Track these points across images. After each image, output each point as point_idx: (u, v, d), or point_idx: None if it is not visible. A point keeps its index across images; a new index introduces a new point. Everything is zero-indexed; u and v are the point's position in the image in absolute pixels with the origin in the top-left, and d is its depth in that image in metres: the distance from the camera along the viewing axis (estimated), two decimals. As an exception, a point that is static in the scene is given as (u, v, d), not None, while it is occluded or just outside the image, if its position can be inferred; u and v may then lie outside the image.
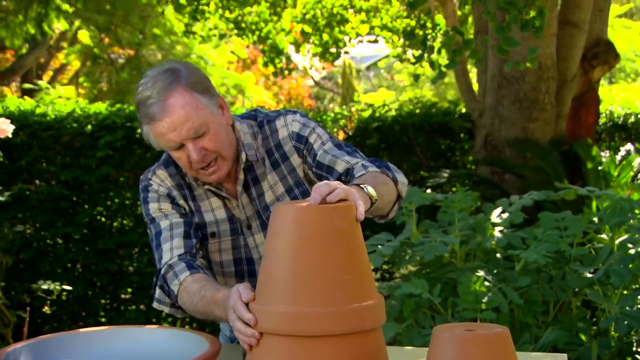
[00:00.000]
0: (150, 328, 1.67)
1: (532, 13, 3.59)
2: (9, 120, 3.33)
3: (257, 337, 1.35)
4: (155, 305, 1.83)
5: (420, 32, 4.34)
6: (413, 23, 7.77)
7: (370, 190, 1.53)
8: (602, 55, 5.22)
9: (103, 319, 5.24)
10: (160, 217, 1.85)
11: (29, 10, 7.76)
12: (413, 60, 4.34)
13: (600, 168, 4.55)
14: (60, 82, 12.15)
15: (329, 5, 8.13)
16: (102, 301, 5.27)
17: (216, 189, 1.87)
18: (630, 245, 3.12)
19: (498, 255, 3.34)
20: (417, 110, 5.71)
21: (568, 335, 2.90)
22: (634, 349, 3.01)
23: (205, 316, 1.70)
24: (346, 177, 1.77)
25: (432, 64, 4.12)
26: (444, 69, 4.06)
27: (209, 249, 1.89)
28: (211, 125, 1.75)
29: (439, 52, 4.28)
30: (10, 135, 3.33)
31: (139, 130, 5.10)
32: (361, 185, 1.52)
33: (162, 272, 1.79)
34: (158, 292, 1.81)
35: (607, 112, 5.90)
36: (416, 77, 4.67)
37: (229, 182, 1.88)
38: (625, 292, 3.04)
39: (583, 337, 2.99)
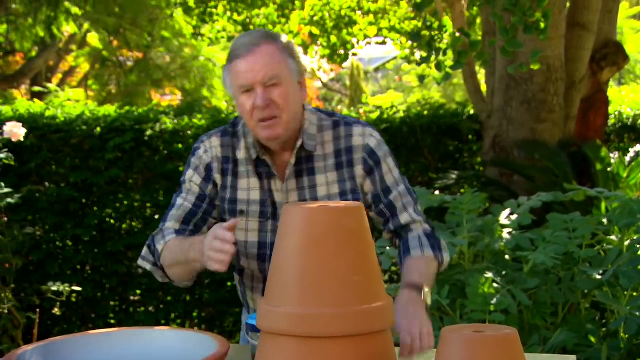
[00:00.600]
0: (160, 329, 1.68)
1: (537, 15, 3.59)
2: (20, 124, 3.36)
3: (231, 252, 1.51)
4: (139, 261, 1.94)
5: (427, 34, 4.34)
6: (420, 25, 7.76)
7: (428, 298, 1.74)
8: (611, 56, 5.21)
9: (112, 321, 5.25)
10: (184, 190, 1.95)
11: (39, 14, 7.80)
12: (419, 61, 4.34)
13: (609, 169, 4.54)
14: (69, 85, 12.21)
15: (337, 7, 8.14)
16: (112, 303, 5.28)
17: (266, 166, 1.91)
18: (639, 247, 3.11)
19: (507, 256, 3.33)
20: (425, 112, 5.71)
21: (577, 337, 2.90)
22: (644, 350, 3.00)
23: (180, 268, 1.82)
24: (401, 229, 1.92)
25: (438, 66, 4.13)
26: (449, 71, 4.06)
27: (237, 227, 1.91)
28: (285, 83, 1.83)
29: (444, 53, 4.28)
30: (22, 139, 3.37)
31: (147, 133, 5.12)
32: (424, 296, 1.73)
33: (154, 233, 1.92)
34: (145, 250, 1.93)
35: (616, 113, 5.89)
36: (422, 79, 4.66)
37: (282, 163, 1.93)
38: (634, 293, 3.03)
39: (592, 339, 2.99)
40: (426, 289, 1.75)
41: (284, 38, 1.89)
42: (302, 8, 8.24)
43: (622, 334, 2.97)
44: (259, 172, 1.92)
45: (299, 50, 1.93)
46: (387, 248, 3.23)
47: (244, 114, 1.87)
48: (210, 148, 1.95)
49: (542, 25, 3.55)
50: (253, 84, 1.81)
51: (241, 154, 1.93)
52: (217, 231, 1.62)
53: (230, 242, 1.59)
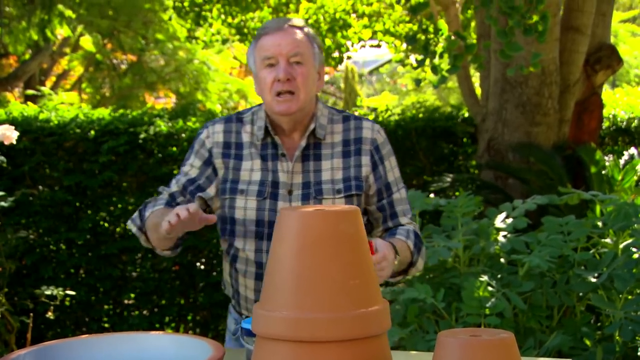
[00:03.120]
0: (155, 334, 1.67)
1: (535, 18, 3.59)
2: (12, 127, 3.34)
3: (182, 216, 1.69)
4: (128, 223, 2.07)
5: (422, 37, 4.35)
6: (415, 28, 7.78)
7: (396, 262, 1.83)
8: (605, 59, 5.22)
9: (106, 325, 5.23)
10: (182, 172, 2.06)
11: (32, 17, 7.78)
12: (415, 65, 4.34)
13: (603, 172, 4.54)
14: (63, 88, 12.18)
15: (331, 10, 8.14)
16: (105, 307, 5.27)
17: (273, 148, 2.00)
18: (634, 250, 3.11)
19: (502, 260, 3.33)
20: (420, 115, 5.71)
21: (572, 340, 2.90)
22: (639, 354, 3.00)
23: (156, 234, 1.92)
24: (396, 227, 2.01)
25: (434, 69, 4.13)
26: (445, 74, 4.06)
27: (235, 205, 2.00)
28: (307, 64, 1.94)
29: (440, 56, 4.28)
30: (14, 142, 3.35)
31: (142, 136, 5.11)
32: (397, 254, 1.83)
33: (148, 200, 2.06)
34: (135, 214, 2.05)
35: (611, 116, 5.90)
36: (418, 82, 4.69)
37: (292, 145, 2.01)
38: (629, 296, 3.03)
39: (587, 342, 2.99)
40: (397, 258, 1.84)
41: (311, 30, 2.02)
42: (297, 11, 8.24)
43: (617, 337, 2.97)
44: (263, 154, 2.00)
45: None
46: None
47: (262, 88, 1.95)
48: (212, 134, 2.04)
49: (541, 27, 3.55)
50: (278, 56, 1.91)
51: (245, 138, 2.02)
52: (180, 207, 1.76)
53: (189, 210, 1.72)
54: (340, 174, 1.98)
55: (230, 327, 2.17)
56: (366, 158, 2.00)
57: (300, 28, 1.96)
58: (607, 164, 4.59)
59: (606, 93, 7.49)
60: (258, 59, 1.95)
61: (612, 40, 6.51)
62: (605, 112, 5.69)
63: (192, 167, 2.04)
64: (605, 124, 5.81)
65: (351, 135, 2.01)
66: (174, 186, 2.04)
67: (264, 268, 1.99)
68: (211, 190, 2.02)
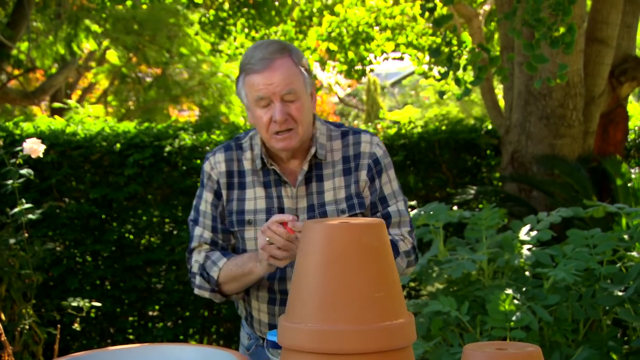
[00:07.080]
0: (181, 346, 1.68)
1: (562, 29, 3.58)
2: (39, 141, 3.39)
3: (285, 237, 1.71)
4: (196, 291, 2.02)
5: (446, 50, 4.35)
6: (439, 40, 7.78)
7: None
8: (631, 71, 5.19)
9: (131, 336, 5.26)
10: (202, 211, 2.04)
11: (59, 31, 7.90)
12: (438, 77, 4.34)
13: (629, 185, 4.50)
14: (88, 101, 12.32)
15: (354, 23, 8.17)
16: (130, 318, 5.30)
17: (275, 174, 1.97)
18: (661, 263, 3.07)
19: (526, 273, 3.31)
20: (443, 127, 5.70)
21: (599, 354, 2.87)
22: (667, 368, 2.96)
23: (241, 282, 1.92)
24: None
25: (458, 81, 4.13)
26: (469, 86, 4.06)
27: (245, 237, 1.98)
28: (302, 97, 1.89)
29: (464, 69, 4.28)
30: (41, 155, 3.40)
31: (166, 149, 5.15)
32: None
33: (201, 261, 1.99)
34: (199, 280, 2.00)
35: (636, 128, 5.85)
36: (441, 94, 4.67)
37: (293, 170, 1.99)
38: (656, 310, 3.00)
39: (614, 356, 2.95)
40: None
41: (293, 47, 1.94)
42: (320, 24, 8.29)
43: (644, 352, 2.94)
44: (266, 181, 1.98)
45: (315, 65, 1.96)
46: (406, 264, 3.22)
47: (259, 126, 1.92)
48: (215, 164, 2.02)
49: (568, 39, 3.53)
50: (271, 97, 1.86)
51: (247, 165, 2.00)
52: (271, 222, 1.76)
53: (285, 237, 1.74)
54: (343, 192, 1.96)
55: (243, 342, 2.16)
56: (363, 172, 1.98)
57: (288, 56, 1.88)
58: (633, 176, 4.55)
59: (632, 105, 7.43)
60: (250, 96, 1.90)
61: (638, 52, 6.47)
62: (630, 124, 5.65)
63: (207, 203, 2.03)
64: (631, 136, 5.77)
65: (350, 152, 1.99)
66: (205, 232, 2.01)
67: (277, 293, 1.99)
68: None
